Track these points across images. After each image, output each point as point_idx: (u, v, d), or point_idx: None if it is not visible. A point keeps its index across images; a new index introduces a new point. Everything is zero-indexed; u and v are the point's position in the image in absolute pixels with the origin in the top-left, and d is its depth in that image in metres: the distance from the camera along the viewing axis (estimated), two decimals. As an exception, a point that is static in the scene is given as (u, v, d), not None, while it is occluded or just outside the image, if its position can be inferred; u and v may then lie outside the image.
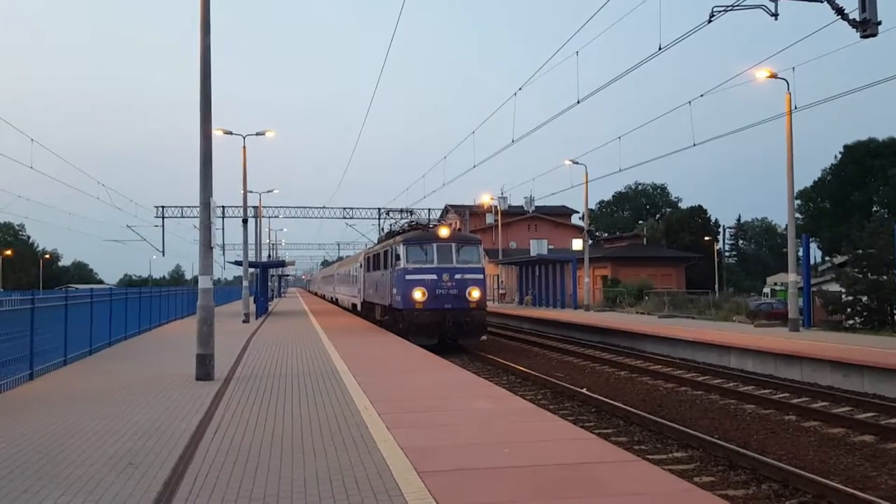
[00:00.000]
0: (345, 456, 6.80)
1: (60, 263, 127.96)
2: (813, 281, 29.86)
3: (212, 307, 12.64)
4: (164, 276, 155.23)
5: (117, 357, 16.35)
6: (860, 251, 30.94)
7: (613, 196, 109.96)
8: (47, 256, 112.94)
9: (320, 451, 7.00)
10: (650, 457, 9.03)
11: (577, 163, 38.81)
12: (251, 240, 34.60)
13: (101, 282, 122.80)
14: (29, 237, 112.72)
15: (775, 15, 15.33)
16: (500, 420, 8.65)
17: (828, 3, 14.84)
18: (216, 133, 26.26)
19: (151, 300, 25.89)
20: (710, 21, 14.43)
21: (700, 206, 79.31)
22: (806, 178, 78.03)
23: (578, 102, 19.86)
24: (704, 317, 32.17)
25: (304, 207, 56.69)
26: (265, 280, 40.73)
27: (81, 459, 6.79)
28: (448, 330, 21.43)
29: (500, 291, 55.60)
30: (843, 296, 29.66)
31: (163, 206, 52.97)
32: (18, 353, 11.83)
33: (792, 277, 23.62)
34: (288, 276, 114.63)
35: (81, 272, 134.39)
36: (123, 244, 58.69)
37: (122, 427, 8.28)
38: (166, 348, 18.51)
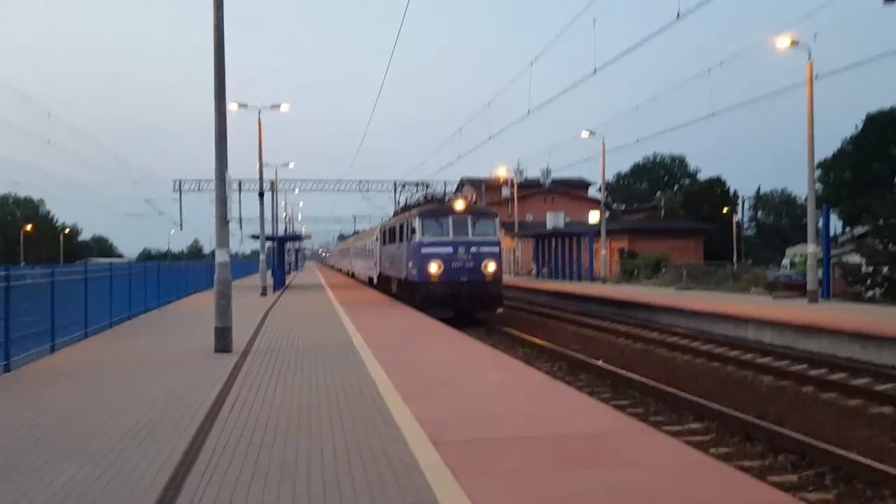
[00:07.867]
0: (361, 427, 6.85)
1: (80, 238, 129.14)
2: (833, 252, 29.51)
3: (229, 281, 12.70)
4: (182, 250, 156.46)
5: (137, 330, 16.56)
6: (881, 222, 30.55)
7: (631, 168, 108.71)
8: (67, 231, 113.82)
9: (337, 423, 7.05)
10: (666, 428, 9.03)
11: (594, 133, 38.48)
12: (268, 213, 34.75)
13: (120, 256, 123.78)
14: (49, 212, 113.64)
15: (797, -20, 14.96)
16: (515, 392, 8.68)
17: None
18: (231, 107, 26.23)
19: (170, 274, 26.12)
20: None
21: (719, 178, 78.32)
22: (827, 148, 76.60)
23: (595, 72, 19.62)
24: (722, 289, 31.99)
25: (320, 181, 56.75)
26: (282, 253, 40.93)
27: (102, 431, 6.90)
28: (464, 303, 21.48)
29: (528, 268, 54.92)
30: (864, 267, 29.33)
31: (180, 180, 52.88)
32: (40, 326, 12.00)
33: (811, 248, 23.38)
34: (304, 249, 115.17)
35: (101, 246, 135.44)
36: (142, 218, 58.95)
37: (141, 399, 8.40)
38: (185, 321, 18.71)
